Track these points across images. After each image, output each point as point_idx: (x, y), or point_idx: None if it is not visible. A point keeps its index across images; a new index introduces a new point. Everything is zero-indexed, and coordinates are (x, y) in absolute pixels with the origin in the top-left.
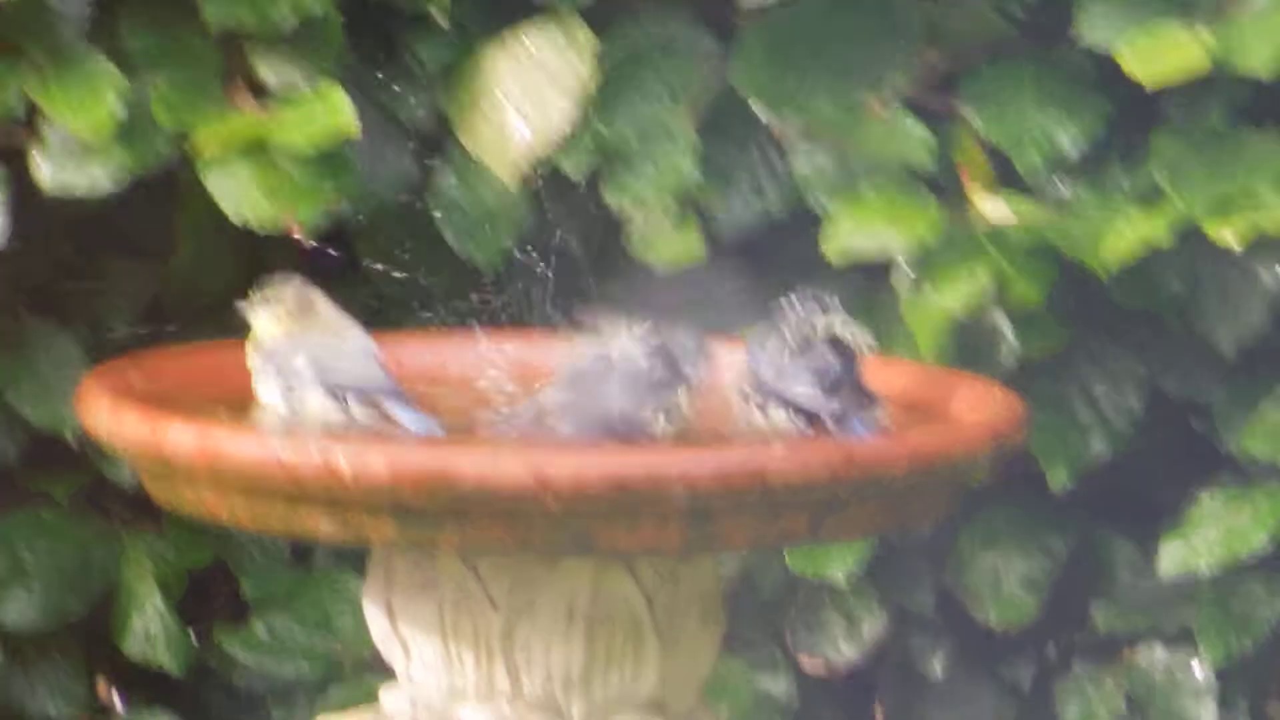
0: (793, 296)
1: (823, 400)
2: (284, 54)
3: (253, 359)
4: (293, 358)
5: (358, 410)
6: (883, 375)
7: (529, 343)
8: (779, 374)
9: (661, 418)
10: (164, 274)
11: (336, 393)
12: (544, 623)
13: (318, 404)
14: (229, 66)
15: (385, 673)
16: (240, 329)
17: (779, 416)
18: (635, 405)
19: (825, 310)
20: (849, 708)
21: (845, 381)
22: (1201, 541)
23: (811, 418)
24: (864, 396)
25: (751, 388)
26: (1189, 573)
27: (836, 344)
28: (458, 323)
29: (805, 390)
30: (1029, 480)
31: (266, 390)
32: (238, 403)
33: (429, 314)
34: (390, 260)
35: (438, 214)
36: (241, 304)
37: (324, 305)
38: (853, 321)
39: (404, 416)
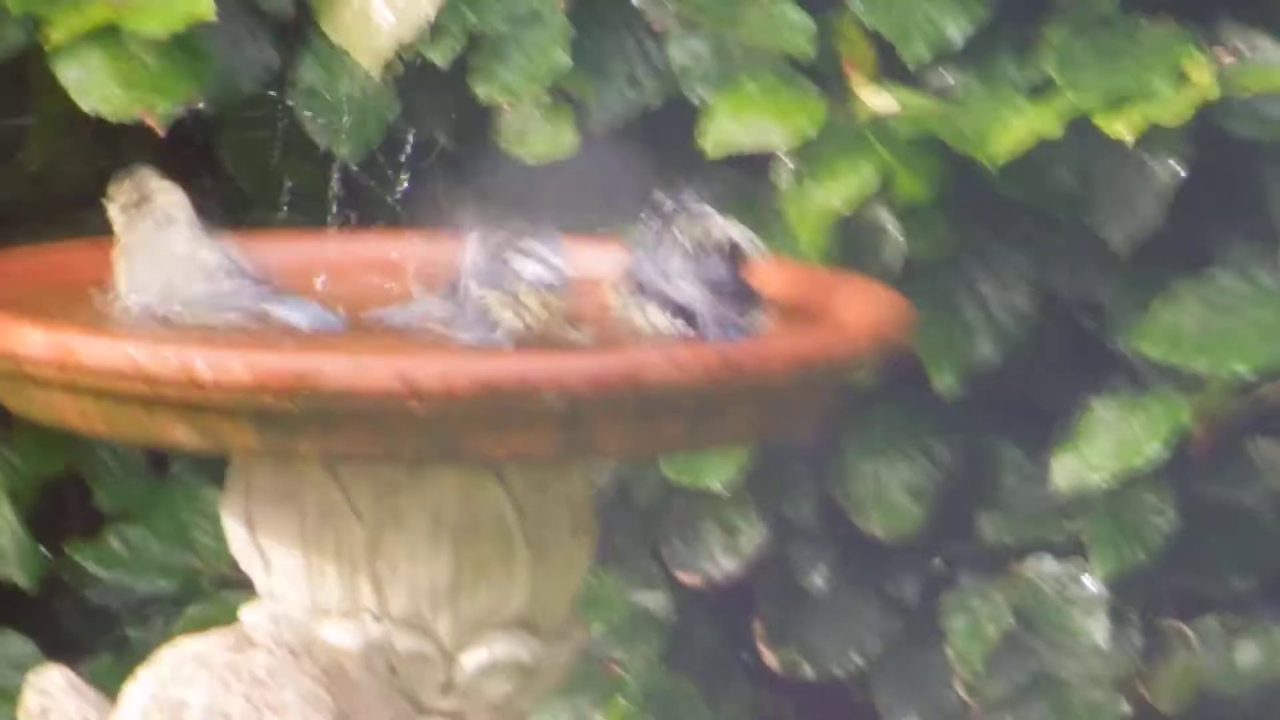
0: (677, 197)
1: (711, 305)
2: None
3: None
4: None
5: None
6: (762, 275)
7: (397, 241)
8: (665, 276)
9: (506, 315)
10: (18, 171)
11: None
12: (410, 535)
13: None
14: None
15: (246, 589)
16: (96, 229)
17: (659, 318)
18: (481, 307)
19: (712, 213)
20: (728, 622)
21: (732, 286)
22: (1094, 453)
23: (691, 321)
24: (749, 300)
25: (631, 289)
26: (1082, 486)
27: (723, 248)
28: (319, 219)
29: (691, 293)
30: (914, 384)
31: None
32: (95, 305)
33: (291, 210)
34: (251, 154)
35: (299, 106)
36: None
37: (177, 210)
38: (740, 225)
39: (287, 314)
